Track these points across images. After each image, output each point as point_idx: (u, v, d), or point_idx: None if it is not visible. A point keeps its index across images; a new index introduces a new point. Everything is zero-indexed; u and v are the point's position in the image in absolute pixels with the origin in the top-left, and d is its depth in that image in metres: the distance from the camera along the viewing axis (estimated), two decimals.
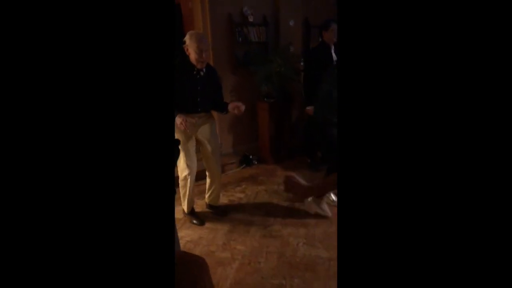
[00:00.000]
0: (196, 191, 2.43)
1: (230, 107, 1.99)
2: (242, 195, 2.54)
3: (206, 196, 2.26)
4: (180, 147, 1.90)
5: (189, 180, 2.02)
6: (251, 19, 2.91)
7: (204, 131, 2.01)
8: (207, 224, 2.13)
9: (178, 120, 1.77)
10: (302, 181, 1.05)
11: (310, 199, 2.14)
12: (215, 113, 2.20)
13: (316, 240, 1.92)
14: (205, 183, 2.26)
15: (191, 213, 2.16)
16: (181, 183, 2.07)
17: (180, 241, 1.94)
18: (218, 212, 2.24)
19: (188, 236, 2.00)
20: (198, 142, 2.06)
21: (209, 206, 2.29)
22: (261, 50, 3.01)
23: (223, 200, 2.44)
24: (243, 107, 1.96)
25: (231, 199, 2.46)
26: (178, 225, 2.12)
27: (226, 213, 2.25)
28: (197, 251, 1.84)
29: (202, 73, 1.89)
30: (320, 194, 1.04)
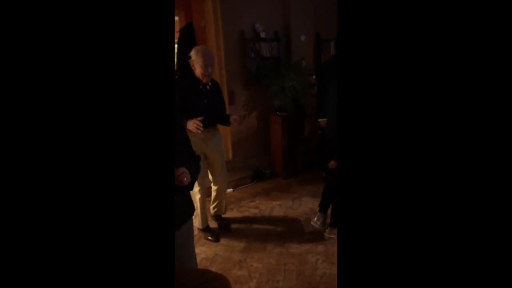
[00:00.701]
0: (209, 207, 2.41)
1: (231, 119, 2.01)
2: (256, 211, 2.49)
3: (211, 207, 2.25)
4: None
5: (200, 195, 2.01)
6: (263, 35, 2.96)
7: (211, 146, 2.02)
8: (222, 241, 2.09)
9: (190, 125, 1.76)
10: None
11: (327, 232, 2.08)
12: (221, 127, 2.21)
13: (335, 258, 1.85)
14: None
15: (206, 229, 2.13)
16: (194, 198, 2.05)
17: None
18: (221, 226, 2.22)
19: (203, 253, 1.96)
20: (206, 157, 2.06)
21: (215, 217, 2.28)
22: (273, 65, 3.04)
23: (236, 214, 2.41)
24: (239, 119, 1.99)
25: (246, 215, 2.42)
26: None
27: (229, 227, 2.22)
28: (213, 269, 1.80)
29: (208, 87, 1.93)
30: None
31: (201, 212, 2.07)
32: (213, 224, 2.28)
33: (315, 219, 2.14)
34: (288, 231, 2.18)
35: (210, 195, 2.22)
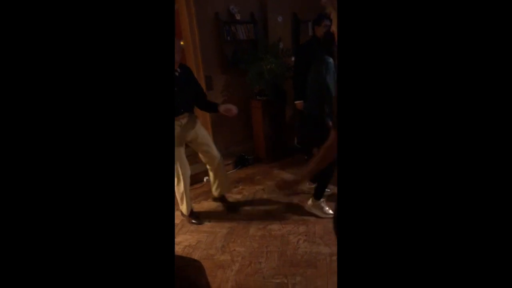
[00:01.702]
0: (192, 195, 2.39)
1: (221, 109, 1.97)
2: (239, 196, 2.50)
3: (213, 190, 2.25)
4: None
5: (183, 183, 2.01)
6: (238, 17, 2.87)
7: (191, 131, 2.01)
8: (205, 228, 2.09)
9: None
10: (290, 177, 1.05)
11: (310, 202, 2.12)
12: (200, 112, 2.17)
13: (316, 237, 1.88)
14: (198, 187, 2.22)
15: (190, 214, 2.13)
16: (176, 188, 2.05)
17: (179, 246, 1.90)
18: (230, 207, 2.24)
19: (186, 241, 1.96)
20: (190, 143, 2.05)
21: (219, 198, 2.28)
22: (250, 48, 2.97)
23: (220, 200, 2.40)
24: (235, 110, 1.95)
25: (229, 201, 2.42)
26: (175, 230, 2.08)
27: (237, 208, 2.25)
28: (196, 256, 1.80)
29: (177, 74, 1.88)
30: (312, 176, 1.03)
31: (186, 200, 2.06)
32: (197, 208, 2.27)
33: (324, 207, 2.12)
34: (271, 214, 2.19)
35: (192, 183, 2.20)
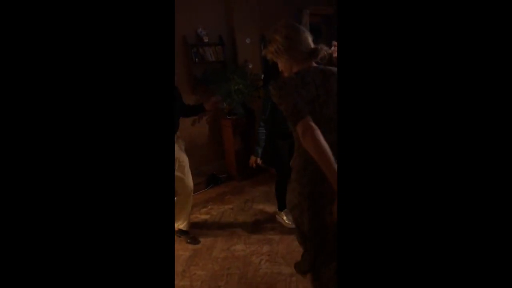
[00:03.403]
0: None
1: (208, 106, 1.89)
2: (207, 217, 2.47)
3: (176, 224, 2.08)
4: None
5: (186, 198, 1.98)
6: (206, 39, 2.95)
7: (178, 150, 1.93)
8: None
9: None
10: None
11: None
12: (183, 133, 2.12)
13: (279, 256, 1.88)
14: None
15: (185, 232, 2.10)
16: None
17: None
18: (191, 239, 2.11)
19: None
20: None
21: (181, 231, 2.13)
22: (219, 69, 3.03)
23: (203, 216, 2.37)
24: (220, 101, 1.89)
25: (195, 221, 2.39)
26: None
27: (196, 241, 2.11)
28: None
29: None
30: None
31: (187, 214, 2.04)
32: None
33: (284, 218, 2.19)
34: (236, 234, 2.17)
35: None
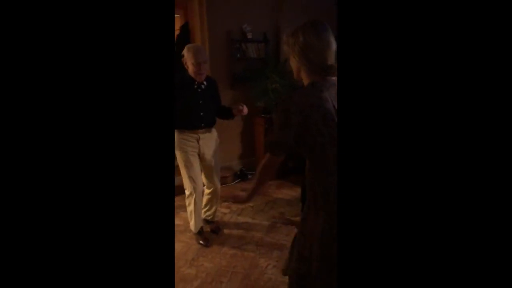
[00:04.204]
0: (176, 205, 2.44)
1: (235, 112, 1.91)
2: (226, 211, 2.51)
3: (203, 211, 2.16)
4: (183, 164, 1.91)
5: (194, 197, 1.95)
6: (249, 36, 2.96)
7: (208, 145, 1.95)
8: (183, 238, 2.13)
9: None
10: (241, 195, 1.16)
11: None
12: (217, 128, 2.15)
13: None
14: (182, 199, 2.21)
15: (199, 232, 2.06)
16: (187, 201, 2.02)
17: None
18: (214, 229, 2.18)
19: None
20: (200, 158, 1.98)
21: (206, 221, 2.21)
22: (259, 66, 3.03)
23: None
24: (245, 110, 1.87)
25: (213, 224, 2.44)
26: None
27: (219, 229, 2.18)
28: None
29: (203, 86, 1.85)
30: (253, 198, 1.15)
31: (196, 215, 2.00)
32: (176, 220, 2.31)
33: None
34: (250, 233, 2.17)
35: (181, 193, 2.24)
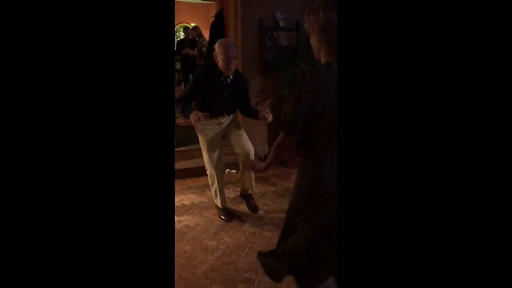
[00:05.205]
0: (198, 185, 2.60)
1: (260, 115, 2.02)
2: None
3: (242, 183, 2.31)
4: (204, 146, 2.06)
5: (216, 177, 2.11)
6: (282, 24, 2.98)
7: (229, 126, 2.11)
8: (207, 214, 2.29)
9: (192, 116, 1.79)
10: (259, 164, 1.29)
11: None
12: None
13: None
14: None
15: (224, 209, 2.21)
16: (209, 180, 2.17)
17: (178, 224, 2.14)
18: (250, 208, 2.29)
19: (187, 220, 2.19)
20: (226, 137, 2.15)
21: (244, 196, 2.34)
22: (290, 55, 3.05)
23: (229, 194, 2.57)
24: (270, 118, 1.97)
25: (237, 195, 2.58)
26: (182, 210, 2.33)
27: (257, 209, 2.28)
28: (189, 236, 2.01)
29: (229, 80, 1.97)
30: (268, 170, 1.27)
31: (220, 192, 2.15)
32: (202, 198, 2.48)
33: None
34: (268, 215, 2.28)
35: (201, 175, 2.32)
